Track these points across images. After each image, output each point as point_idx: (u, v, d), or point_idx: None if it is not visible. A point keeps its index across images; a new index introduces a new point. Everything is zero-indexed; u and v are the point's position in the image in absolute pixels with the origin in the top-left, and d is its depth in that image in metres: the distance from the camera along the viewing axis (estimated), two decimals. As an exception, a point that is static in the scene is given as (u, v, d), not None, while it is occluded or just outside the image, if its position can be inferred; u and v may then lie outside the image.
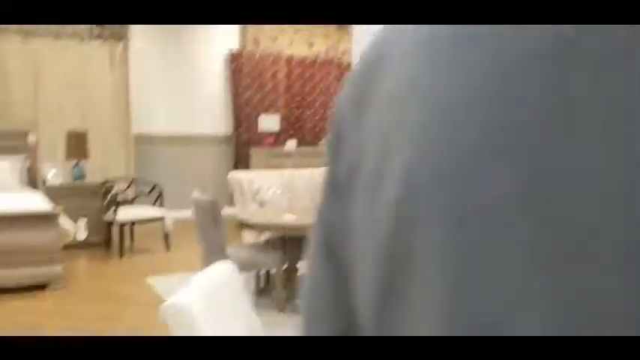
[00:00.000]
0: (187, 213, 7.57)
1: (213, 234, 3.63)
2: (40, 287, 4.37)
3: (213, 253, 3.76)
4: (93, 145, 6.57)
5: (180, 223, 6.75)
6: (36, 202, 4.69)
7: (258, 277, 4.14)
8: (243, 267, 3.84)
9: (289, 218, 3.79)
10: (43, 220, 4.37)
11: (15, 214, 4.31)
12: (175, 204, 7.16)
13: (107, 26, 6.90)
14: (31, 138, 5.98)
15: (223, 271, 1.62)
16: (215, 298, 1.45)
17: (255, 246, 4.03)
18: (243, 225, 4.18)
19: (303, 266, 3.85)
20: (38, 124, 6.31)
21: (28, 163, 5.89)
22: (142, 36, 7.16)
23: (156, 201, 6.16)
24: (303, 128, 8.50)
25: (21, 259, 4.26)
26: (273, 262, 3.71)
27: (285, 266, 3.89)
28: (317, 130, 8.61)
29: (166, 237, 5.86)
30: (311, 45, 8.48)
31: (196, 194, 3.72)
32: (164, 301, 4.23)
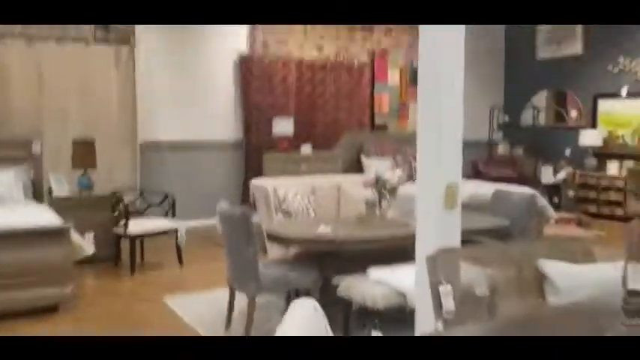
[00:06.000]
0: (196, 223, 7.20)
1: (244, 248, 3.29)
2: (50, 309, 4.02)
3: (242, 269, 3.42)
4: (98, 154, 6.21)
5: (188, 234, 6.38)
6: (44, 216, 4.35)
7: (289, 298, 3.75)
8: (274, 287, 3.50)
9: (325, 230, 3.46)
10: (53, 235, 4.01)
11: (22, 230, 3.95)
12: (183, 214, 6.78)
13: (112, 30, 6.57)
14: (36, 147, 5.64)
15: (307, 314, 1.29)
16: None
17: (286, 262, 3.68)
18: (270, 238, 3.85)
19: (341, 284, 3.51)
20: (42, 132, 5.96)
21: (32, 174, 5.55)
22: (147, 40, 6.83)
23: (167, 212, 5.83)
24: (315, 132, 8.19)
25: (29, 280, 3.89)
26: (309, 281, 3.37)
27: (321, 284, 3.54)
28: (329, 133, 8.30)
29: (179, 251, 5.53)
30: (320, 48, 8.27)
31: (223, 204, 3.39)
32: (182, 322, 3.87)
